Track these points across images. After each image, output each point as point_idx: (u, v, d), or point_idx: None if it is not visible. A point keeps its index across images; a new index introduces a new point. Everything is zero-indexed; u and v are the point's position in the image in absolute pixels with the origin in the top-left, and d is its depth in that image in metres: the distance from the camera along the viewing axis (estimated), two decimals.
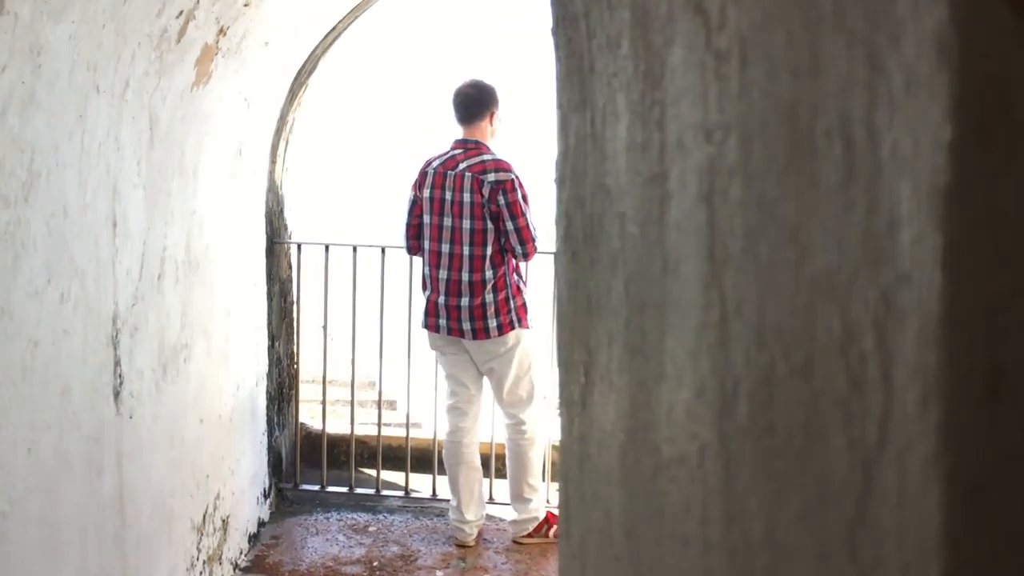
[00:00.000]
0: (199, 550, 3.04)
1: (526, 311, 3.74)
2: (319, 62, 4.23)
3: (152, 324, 2.49)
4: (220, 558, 3.28)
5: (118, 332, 2.23)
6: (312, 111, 4.56)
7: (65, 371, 1.94)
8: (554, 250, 0.98)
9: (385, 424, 4.45)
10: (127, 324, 2.29)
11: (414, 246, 3.81)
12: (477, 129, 3.66)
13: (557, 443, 4.56)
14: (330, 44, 4.23)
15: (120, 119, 2.21)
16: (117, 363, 2.23)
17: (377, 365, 4.23)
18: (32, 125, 1.74)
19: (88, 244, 2.04)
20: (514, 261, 3.69)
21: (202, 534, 3.07)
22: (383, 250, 4.15)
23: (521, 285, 3.76)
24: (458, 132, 3.73)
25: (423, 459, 4.28)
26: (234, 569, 3.46)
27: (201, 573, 3.06)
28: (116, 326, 2.22)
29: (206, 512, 3.11)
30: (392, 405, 5.98)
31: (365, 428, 4.52)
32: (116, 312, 2.22)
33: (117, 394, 2.23)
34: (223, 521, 3.31)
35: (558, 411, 0.99)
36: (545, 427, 3.89)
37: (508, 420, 3.78)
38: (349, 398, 4.30)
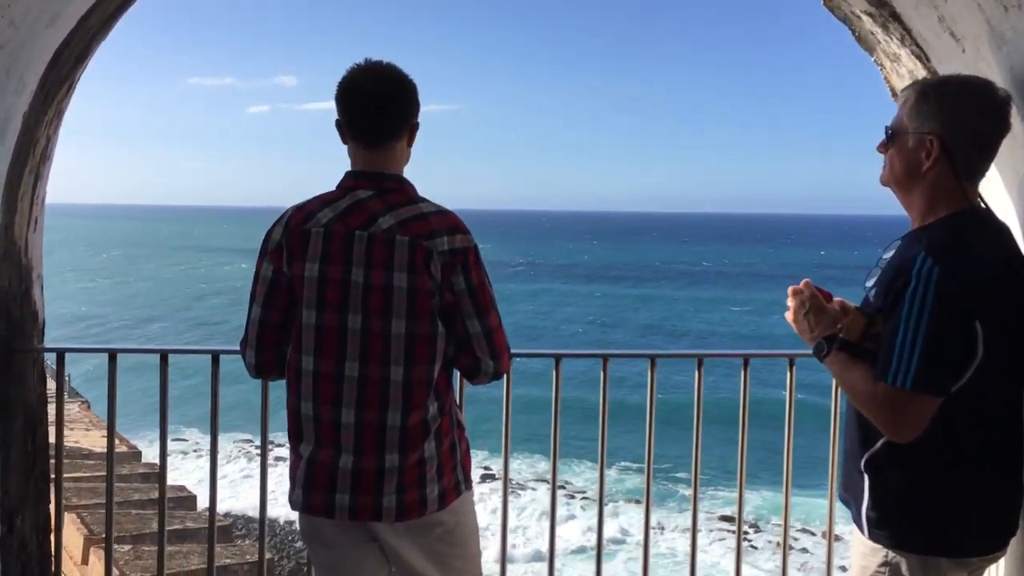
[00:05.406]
0: None
1: (470, 460, 2.26)
2: (92, 44, 2.56)
3: None
4: None
5: None
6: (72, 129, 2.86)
7: None
8: None
9: None
10: None
11: (270, 360, 2.15)
12: (391, 155, 2.15)
13: None
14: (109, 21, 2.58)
15: None
16: None
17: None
18: None
19: None
20: (453, 388, 2.20)
21: None
22: (216, 358, 2.53)
23: (463, 421, 2.28)
24: (338, 157, 2.19)
25: None
26: None
27: None
28: None
29: None
30: None
31: None
32: None
33: None
34: None
35: None
36: None
37: None
38: None
